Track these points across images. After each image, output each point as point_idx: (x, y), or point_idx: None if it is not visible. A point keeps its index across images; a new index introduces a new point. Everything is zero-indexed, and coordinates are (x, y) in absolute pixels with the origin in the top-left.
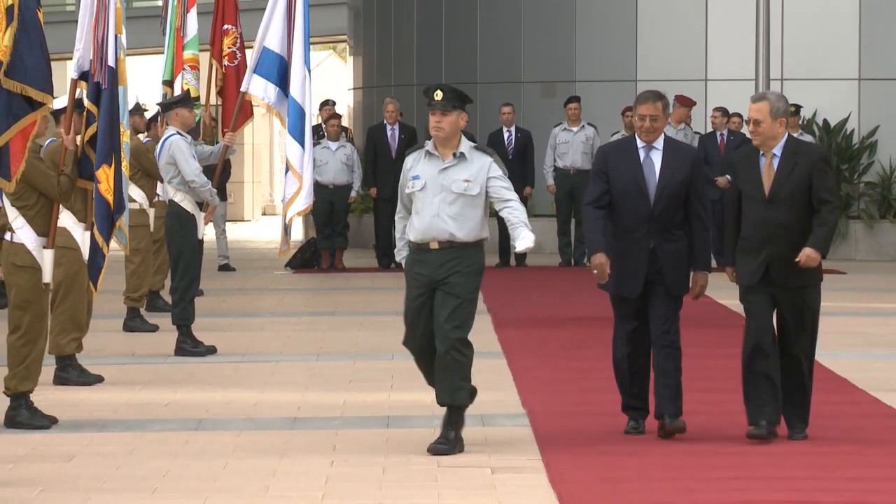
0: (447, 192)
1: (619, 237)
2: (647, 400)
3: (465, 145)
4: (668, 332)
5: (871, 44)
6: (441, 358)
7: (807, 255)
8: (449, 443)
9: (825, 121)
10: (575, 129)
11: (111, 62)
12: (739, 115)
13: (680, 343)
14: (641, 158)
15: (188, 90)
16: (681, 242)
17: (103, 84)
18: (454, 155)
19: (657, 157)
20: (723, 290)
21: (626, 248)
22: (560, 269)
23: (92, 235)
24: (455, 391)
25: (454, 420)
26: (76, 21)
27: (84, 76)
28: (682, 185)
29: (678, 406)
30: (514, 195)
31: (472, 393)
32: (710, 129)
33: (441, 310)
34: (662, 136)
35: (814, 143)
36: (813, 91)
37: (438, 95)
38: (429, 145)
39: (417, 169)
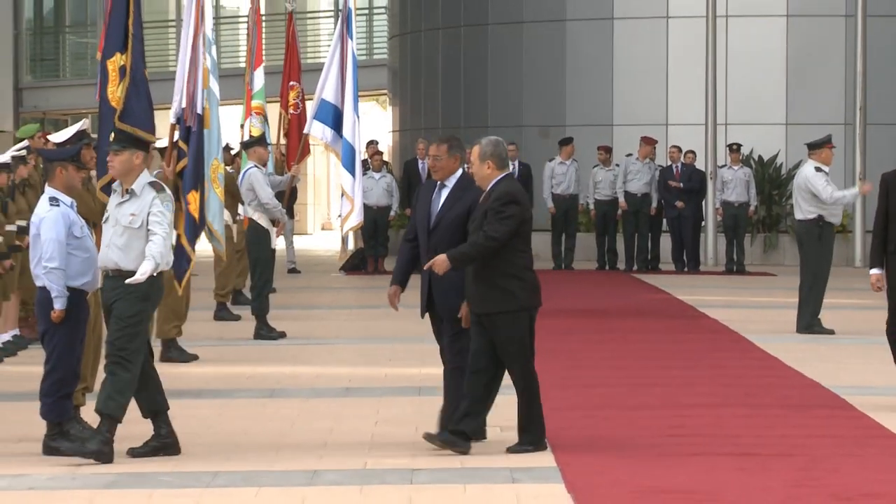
0: (118, 225)
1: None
2: None
3: (139, 183)
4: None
5: (795, 97)
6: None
7: None
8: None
9: (760, 156)
10: (568, 162)
11: (199, 110)
12: (693, 152)
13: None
14: (433, 195)
15: (252, 131)
16: (460, 272)
17: (193, 127)
18: (127, 191)
19: (445, 193)
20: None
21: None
22: (553, 272)
23: (179, 244)
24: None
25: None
26: (173, 79)
27: (179, 121)
28: (459, 219)
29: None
30: (160, 229)
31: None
32: (668, 163)
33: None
34: (457, 174)
35: None
36: (750, 133)
37: (111, 138)
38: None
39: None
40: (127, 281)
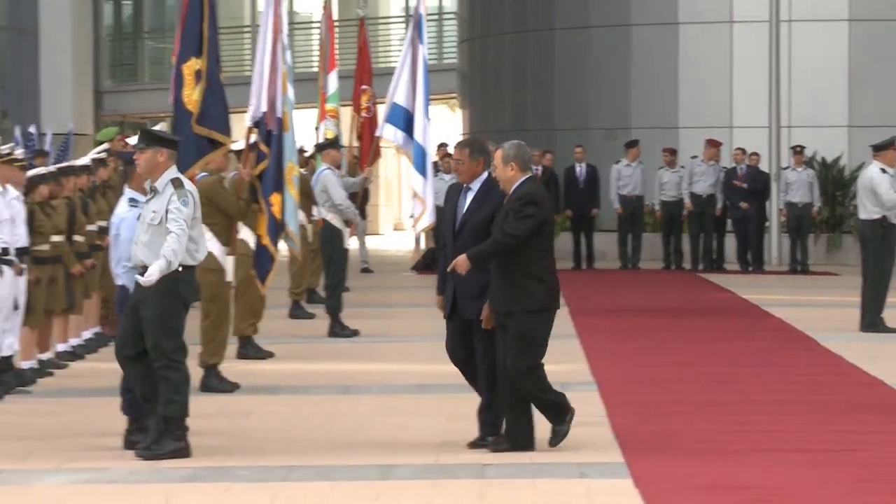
0: (144, 222)
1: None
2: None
3: (162, 180)
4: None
5: (857, 99)
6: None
7: None
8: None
9: (823, 158)
10: (634, 164)
11: (279, 114)
12: (757, 154)
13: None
14: (458, 198)
15: (328, 134)
16: (487, 274)
17: (274, 131)
18: (152, 189)
19: (470, 196)
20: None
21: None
22: (620, 271)
23: (262, 244)
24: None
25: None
26: (249, 83)
27: (256, 124)
28: (484, 222)
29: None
30: (174, 227)
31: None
32: (733, 165)
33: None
34: (482, 177)
35: None
36: (813, 135)
37: (136, 138)
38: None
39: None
40: (138, 280)
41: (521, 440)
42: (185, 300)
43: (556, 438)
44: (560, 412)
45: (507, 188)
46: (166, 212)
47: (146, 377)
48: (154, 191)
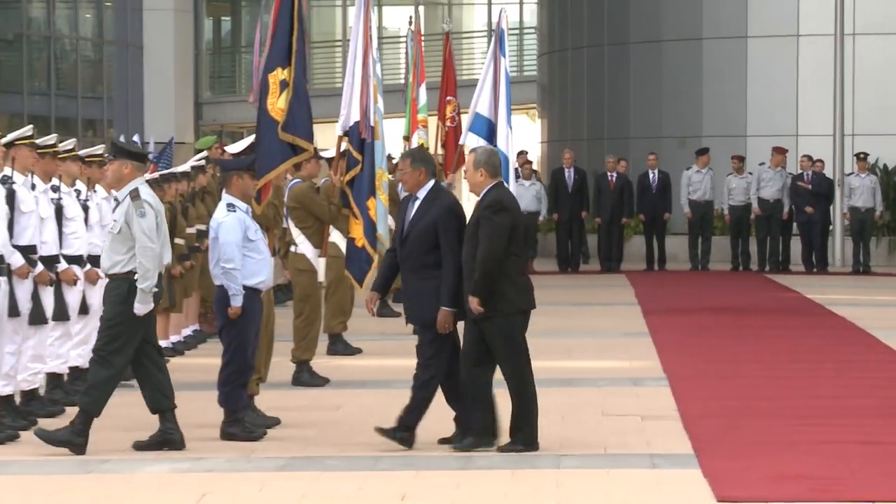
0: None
1: None
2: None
3: (124, 191)
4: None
5: None
6: None
7: None
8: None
9: (885, 165)
10: (704, 171)
11: (371, 123)
12: (822, 161)
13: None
14: (407, 207)
15: (421, 143)
16: (432, 281)
17: (367, 139)
18: (115, 199)
19: (416, 205)
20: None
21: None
22: (691, 272)
23: (355, 246)
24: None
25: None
26: (340, 94)
27: (347, 133)
28: (427, 229)
29: (406, 418)
30: (139, 246)
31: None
32: (799, 171)
33: None
34: (427, 186)
35: None
36: (876, 143)
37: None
38: None
39: None
40: (135, 311)
41: (486, 433)
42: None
43: (461, 444)
44: (492, 429)
45: (477, 192)
46: (125, 222)
47: (144, 389)
48: (116, 201)
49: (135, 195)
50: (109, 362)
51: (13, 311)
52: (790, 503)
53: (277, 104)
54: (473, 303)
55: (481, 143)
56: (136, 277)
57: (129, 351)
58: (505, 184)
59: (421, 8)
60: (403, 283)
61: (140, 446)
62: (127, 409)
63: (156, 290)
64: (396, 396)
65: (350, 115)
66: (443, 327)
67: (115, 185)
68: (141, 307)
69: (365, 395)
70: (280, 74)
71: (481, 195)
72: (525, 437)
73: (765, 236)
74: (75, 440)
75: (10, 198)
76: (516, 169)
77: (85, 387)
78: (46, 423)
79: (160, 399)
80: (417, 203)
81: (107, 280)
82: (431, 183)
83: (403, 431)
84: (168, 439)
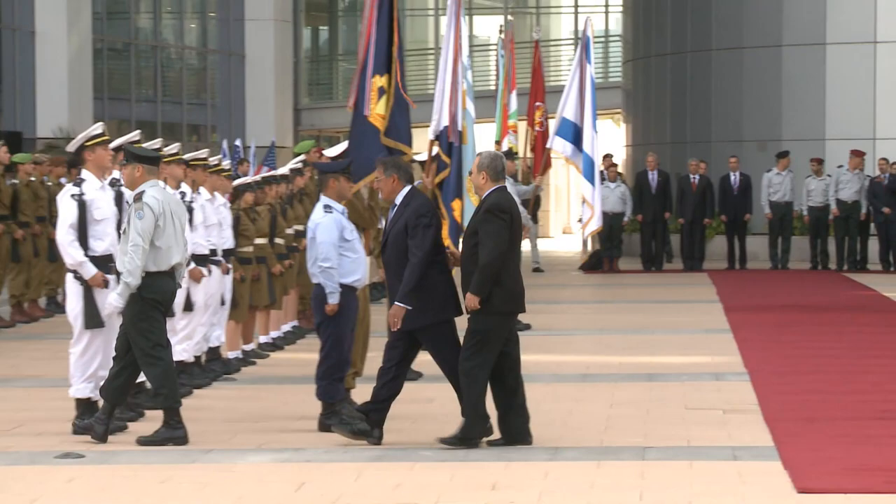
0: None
1: None
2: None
3: (133, 194)
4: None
5: None
6: None
7: None
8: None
9: None
10: (784, 173)
11: (459, 128)
12: None
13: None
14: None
15: (510, 147)
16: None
17: (455, 143)
18: (127, 202)
19: (393, 211)
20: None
21: None
22: (771, 271)
23: (445, 246)
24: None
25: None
26: (432, 100)
27: (438, 137)
28: (400, 233)
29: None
30: (130, 244)
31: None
32: (877, 173)
33: None
34: (403, 192)
35: None
36: None
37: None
38: None
39: None
40: (110, 301)
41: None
42: (154, 301)
43: (451, 440)
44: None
45: (480, 194)
46: (128, 223)
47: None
48: (128, 203)
49: (138, 197)
50: (155, 358)
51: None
52: (868, 494)
53: (376, 110)
54: (473, 301)
55: (568, 147)
56: (123, 279)
57: (163, 341)
58: (509, 187)
59: (510, 17)
60: (387, 286)
61: (144, 441)
62: (230, 402)
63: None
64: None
65: (441, 119)
66: (392, 322)
67: (130, 188)
68: (117, 301)
69: None
70: (378, 81)
71: (483, 198)
72: (463, 431)
73: (843, 236)
74: (178, 434)
75: (119, 200)
76: (601, 171)
77: (152, 392)
78: (139, 428)
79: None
80: (394, 209)
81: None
82: (407, 189)
83: (375, 427)
84: (173, 436)
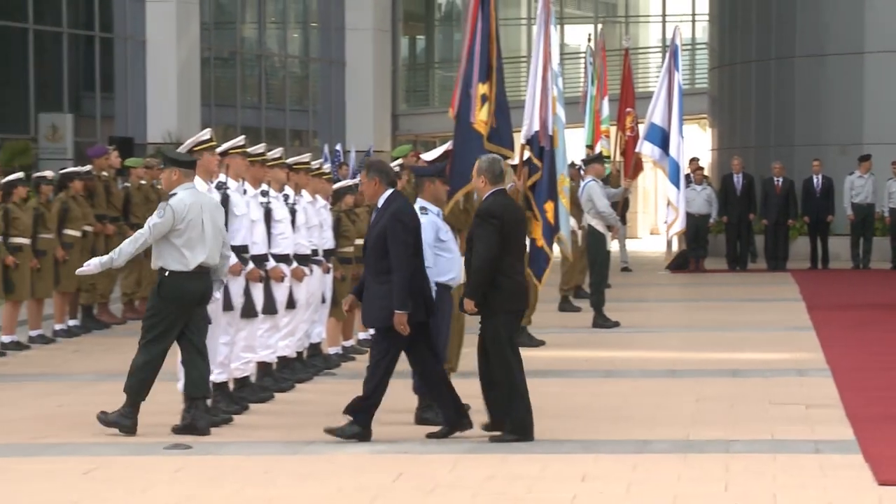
0: None
1: None
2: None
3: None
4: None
5: None
6: None
7: None
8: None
9: None
10: (865, 176)
11: (550, 132)
12: None
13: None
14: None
15: (601, 151)
16: (385, 286)
17: (546, 147)
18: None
19: (375, 214)
20: None
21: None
22: (853, 271)
23: (537, 246)
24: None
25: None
26: (524, 106)
27: (529, 142)
28: (379, 236)
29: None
30: (140, 230)
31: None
32: None
33: None
34: (385, 195)
35: None
36: None
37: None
38: None
39: None
40: (85, 266)
41: (522, 427)
42: (170, 300)
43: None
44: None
45: (480, 196)
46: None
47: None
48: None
49: (167, 198)
50: (147, 350)
51: (227, 305)
52: None
53: (480, 117)
54: (468, 304)
55: (656, 151)
56: (111, 253)
57: (166, 340)
58: (598, 190)
59: (600, 25)
60: (364, 286)
61: (175, 429)
62: (330, 396)
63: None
64: (577, 385)
65: (532, 125)
66: (399, 329)
67: (167, 190)
68: (89, 267)
69: (547, 384)
70: (481, 89)
71: (482, 200)
72: (514, 426)
73: None
74: (123, 422)
75: (225, 202)
76: (688, 175)
77: (128, 373)
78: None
79: (194, 388)
80: (376, 213)
81: None
82: (388, 192)
83: (359, 426)
84: (193, 425)
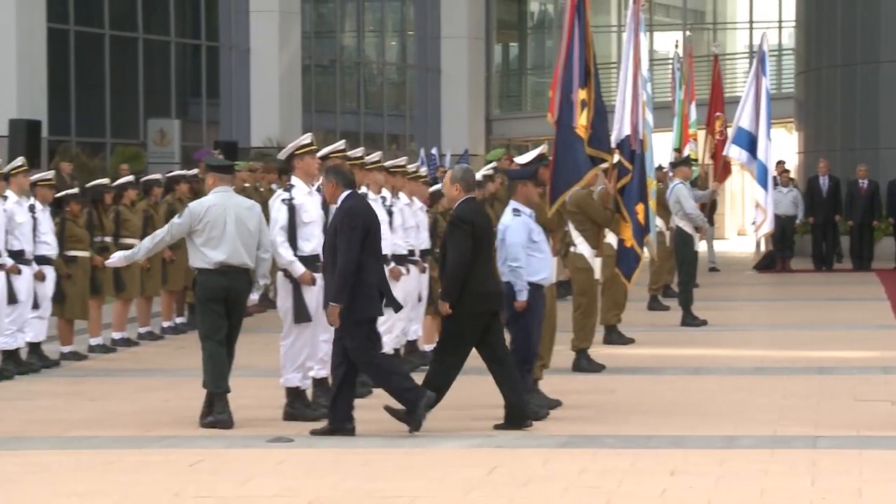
0: None
1: None
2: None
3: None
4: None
5: None
6: None
7: None
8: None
9: None
10: None
11: (640, 136)
12: None
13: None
14: None
15: (688, 154)
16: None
17: (637, 150)
18: None
19: (333, 214)
20: None
21: None
22: None
23: (625, 247)
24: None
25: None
26: (614, 111)
27: (618, 145)
28: (332, 236)
29: (330, 409)
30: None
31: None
32: None
33: None
34: (342, 196)
35: None
36: None
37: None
38: None
39: None
40: (109, 260)
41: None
42: (200, 297)
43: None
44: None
45: (451, 205)
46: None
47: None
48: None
49: (190, 201)
50: (203, 346)
51: (326, 304)
52: None
53: (580, 122)
54: (443, 307)
55: (743, 154)
56: (134, 248)
57: (215, 334)
58: (685, 192)
59: (688, 32)
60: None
61: (205, 424)
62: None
63: (266, 282)
64: (666, 382)
65: (622, 129)
66: (330, 321)
67: (205, 193)
68: (114, 260)
69: (637, 381)
70: (580, 94)
71: (454, 207)
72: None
73: None
74: (219, 417)
75: (325, 204)
76: (775, 177)
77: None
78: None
79: (220, 383)
80: (334, 212)
81: None
82: (346, 193)
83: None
84: (220, 420)
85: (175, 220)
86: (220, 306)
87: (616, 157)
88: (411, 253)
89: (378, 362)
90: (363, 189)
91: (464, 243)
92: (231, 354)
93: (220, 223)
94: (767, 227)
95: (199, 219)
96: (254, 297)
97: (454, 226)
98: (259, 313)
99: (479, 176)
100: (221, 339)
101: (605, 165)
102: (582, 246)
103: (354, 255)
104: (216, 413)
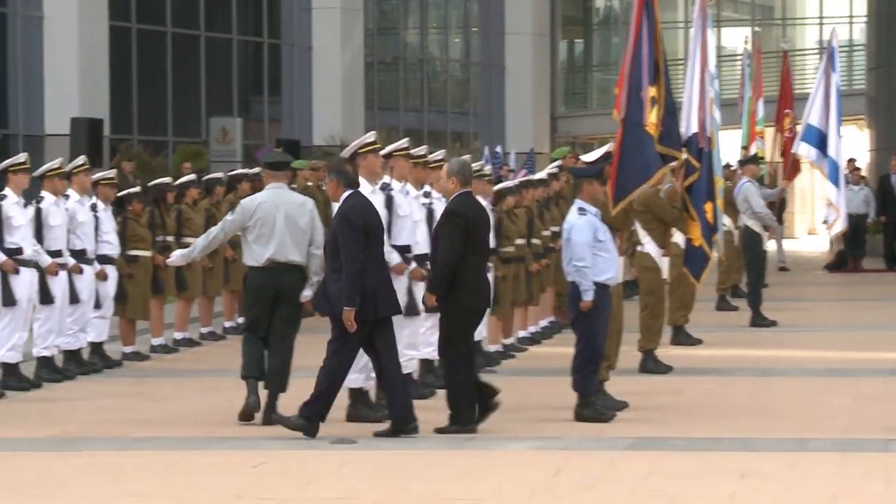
0: None
1: None
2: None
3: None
4: None
5: None
6: None
7: None
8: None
9: None
10: None
11: (708, 134)
12: None
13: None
14: None
15: (756, 152)
16: (338, 283)
17: (705, 148)
18: None
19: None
20: None
21: None
22: None
23: (693, 246)
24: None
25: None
26: (681, 108)
27: (685, 143)
28: (334, 235)
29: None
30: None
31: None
32: None
33: None
34: (345, 195)
35: None
36: None
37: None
38: None
39: None
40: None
41: (463, 419)
42: (249, 293)
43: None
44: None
45: (448, 198)
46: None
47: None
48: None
49: (243, 198)
50: (245, 339)
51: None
52: None
53: (650, 119)
54: (430, 298)
55: (812, 152)
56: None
57: (255, 330)
58: (754, 190)
59: (756, 28)
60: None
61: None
62: (521, 393)
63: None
64: (734, 383)
65: (689, 126)
66: (346, 325)
67: (260, 189)
68: (174, 258)
69: (705, 382)
70: (650, 92)
71: (449, 201)
72: (459, 419)
73: None
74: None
75: (389, 203)
76: (846, 175)
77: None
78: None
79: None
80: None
81: None
82: (347, 193)
83: (307, 420)
84: (248, 403)
85: (228, 216)
86: (265, 304)
87: (684, 155)
88: None
89: (339, 360)
90: (426, 187)
91: (456, 237)
92: (289, 350)
93: (270, 220)
94: (840, 225)
95: (251, 215)
96: (307, 293)
97: (447, 219)
98: (308, 316)
99: (543, 174)
100: (260, 335)
101: (674, 164)
102: (649, 245)
103: (357, 255)
104: (247, 397)
